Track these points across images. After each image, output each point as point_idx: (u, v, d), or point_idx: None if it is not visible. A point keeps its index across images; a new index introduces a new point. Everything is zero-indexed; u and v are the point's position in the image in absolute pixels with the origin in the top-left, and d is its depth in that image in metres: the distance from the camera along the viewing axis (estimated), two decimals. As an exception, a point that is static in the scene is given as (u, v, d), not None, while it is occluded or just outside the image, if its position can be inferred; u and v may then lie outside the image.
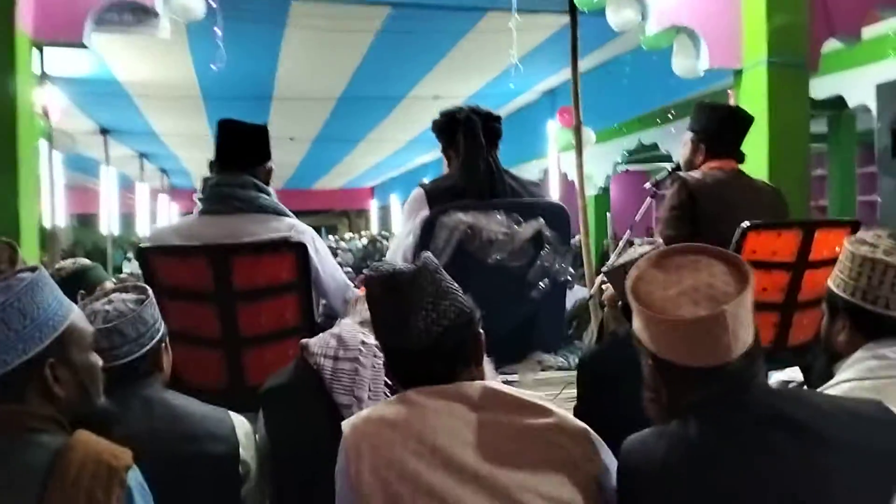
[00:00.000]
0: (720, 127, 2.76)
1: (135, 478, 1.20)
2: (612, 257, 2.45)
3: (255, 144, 2.35)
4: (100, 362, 1.37)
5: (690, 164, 2.80)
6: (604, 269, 2.39)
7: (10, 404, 1.22)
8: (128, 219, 13.26)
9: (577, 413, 1.72)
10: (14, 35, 3.00)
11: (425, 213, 2.43)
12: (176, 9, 3.35)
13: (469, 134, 2.49)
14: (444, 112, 2.61)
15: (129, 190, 12.68)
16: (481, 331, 1.37)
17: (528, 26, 5.01)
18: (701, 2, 3.80)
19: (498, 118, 2.60)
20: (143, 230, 12.58)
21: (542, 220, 2.45)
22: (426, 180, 2.60)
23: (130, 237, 14.08)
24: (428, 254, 1.40)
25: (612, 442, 1.34)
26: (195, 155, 11.07)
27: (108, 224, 9.75)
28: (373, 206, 20.87)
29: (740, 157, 2.78)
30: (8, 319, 1.21)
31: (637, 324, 1.28)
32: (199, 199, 2.28)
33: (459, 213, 2.36)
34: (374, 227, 20.81)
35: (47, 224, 4.87)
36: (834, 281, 1.71)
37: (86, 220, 16.63)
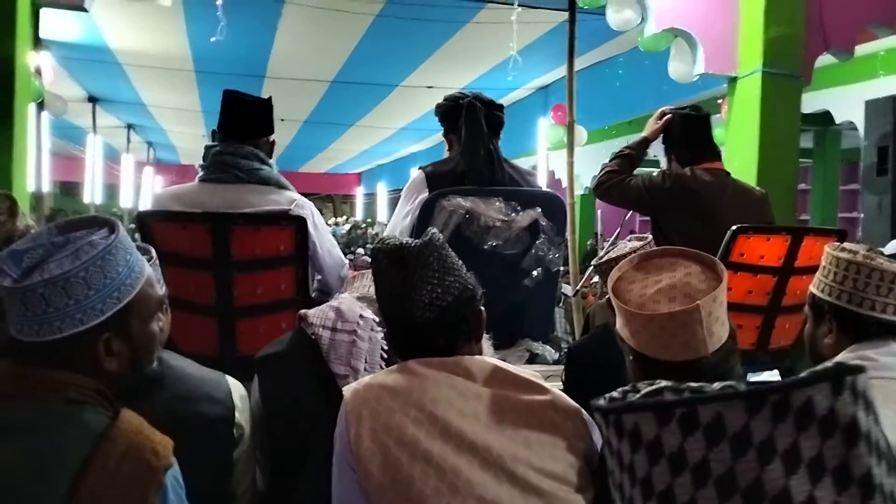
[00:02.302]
0: (682, 135, 2.73)
1: (172, 475, 1.12)
2: (602, 253, 2.49)
3: (259, 116, 2.36)
4: (160, 325, 1.29)
5: None
6: (593, 262, 2.44)
7: (52, 371, 1.11)
8: (111, 189, 13.13)
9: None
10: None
11: (425, 195, 2.45)
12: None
13: (471, 119, 2.51)
14: (448, 97, 2.64)
15: (114, 161, 12.55)
16: (482, 308, 1.40)
17: (524, 21, 5.05)
18: (700, 7, 3.86)
19: (501, 107, 2.63)
20: (127, 202, 12.46)
21: (539, 209, 2.48)
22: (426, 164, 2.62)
23: (112, 208, 13.94)
24: (434, 230, 1.42)
25: (596, 430, 1.39)
26: (183, 129, 10.96)
27: (92, 193, 9.61)
28: (359, 192, 20.82)
29: (717, 153, 2.74)
30: (70, 289, 1.09)
31: (619, 321, 1.34)
32: (201, 167, 2.29)
33: (459, 197, 2.38)
34: (359, 214, 20.76)
35: (32, 188, 4.82)
36: (818, 286, 1.74)
37: (68, 189, 16.42)
